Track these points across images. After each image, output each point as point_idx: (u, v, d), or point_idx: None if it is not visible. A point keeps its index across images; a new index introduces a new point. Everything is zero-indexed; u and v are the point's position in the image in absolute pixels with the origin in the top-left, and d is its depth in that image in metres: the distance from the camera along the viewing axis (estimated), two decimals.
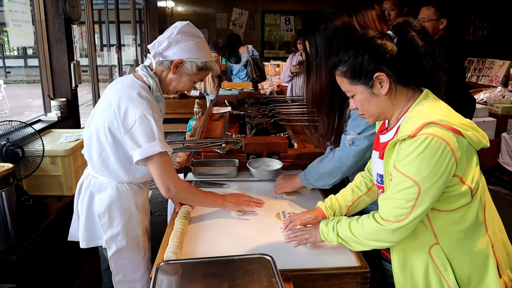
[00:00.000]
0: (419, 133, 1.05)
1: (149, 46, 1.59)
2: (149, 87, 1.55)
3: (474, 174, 1.09)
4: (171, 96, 6.19)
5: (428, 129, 1.05)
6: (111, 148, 1.52)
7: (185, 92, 6.35)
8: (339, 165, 1.57)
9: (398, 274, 1.21)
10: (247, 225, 1.52)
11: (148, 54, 1.61)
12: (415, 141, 1.05)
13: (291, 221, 1.46)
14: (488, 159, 4.23)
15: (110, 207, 1.59)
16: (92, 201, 1.61)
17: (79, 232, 1.66)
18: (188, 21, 1.59)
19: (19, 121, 2.21)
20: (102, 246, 1.64)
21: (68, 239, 1.76)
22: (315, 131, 1.79)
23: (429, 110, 1.10)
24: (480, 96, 4.96)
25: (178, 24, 1.56)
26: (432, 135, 1.03)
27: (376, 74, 1.13)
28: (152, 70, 1.58)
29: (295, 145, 2.34)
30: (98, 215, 1.59)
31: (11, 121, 2.16)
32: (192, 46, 1.53)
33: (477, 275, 1.12)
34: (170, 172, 1.49)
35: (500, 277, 1.12)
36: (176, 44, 1.52)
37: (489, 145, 1.12)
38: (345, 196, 1.47)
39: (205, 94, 5.70)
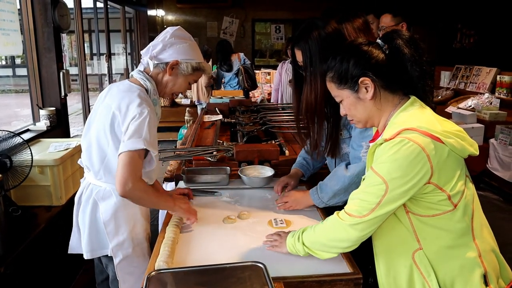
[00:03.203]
0: (396, 137, 1.07)
1: (142, 52, 1.61)
2: (147, 90, 1.57)
3: (457, 181, 1.09)
4: (162, 104, 6.19)
5: (405, 134, 1.07)
6: (113, 153, 1.52)
7: (176, 100, 6.36)
8: (356, 181, 1.52)
9: (382, 279, 1.23)
10: (239, 233, 1.51)
11: (142, 59, 1.62)
12: (390, 143, 1.07)
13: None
14: (477, 165, 4.28)
15: (116, 214, 1.58)
16: (96, 210, 1.60)
17: (82, 243, 1.64)
18: (179, 26, 1.63)
19: (7, 131, 2.18)
20: (106, 255, 1.63)
21: (69, 252, 1.74)
22: (302, 140, 1.76)
23: (412, 117, 1.12)
24: (468, 102, 5.03)
25: (170, 29, 1.59)
26: (408, 139, 1.05)
27: (361, 79, 1.16)
28: (148, 74, 1.59)
29: (287, 152, 2.35)
30: (104, 223, 1.58)
31: None
32: (186, 47, 1.57)
33: (460, 282, 1.12)
34: (135, 168, 1.43)
35: (487, 285, 1.12)
36: (170, 47, 1.55)
37: (478, 153, 1.12)
38: None
39: (197, 103, 5.70)
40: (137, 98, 1.49)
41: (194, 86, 5.52)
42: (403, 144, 1.05)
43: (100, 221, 1.59)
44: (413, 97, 1.18)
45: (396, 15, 2.88)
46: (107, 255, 1.62)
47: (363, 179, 1.18)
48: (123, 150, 1.43)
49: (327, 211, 1.61)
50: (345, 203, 1.57)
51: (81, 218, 1.64)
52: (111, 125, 1.50)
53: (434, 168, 1.05)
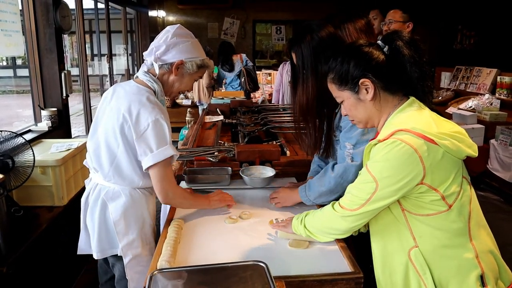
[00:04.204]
0: (389, 138, 1.10)
1: (145, 53, 1.62)
2: (154, 91, 1.58)
3: (452, 183, 1.10)
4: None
5: (398, 135, 1.09)
6: (123, 155, 1.54)
7: (177, 101, 6.36)
8: (340, 182, 1.52)
9: (379, 275, 1.25)
10: (240, 232, 1.52)
11: (145, 61, 1.63)
12: (383, 144, 1.10)
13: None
14: (477, 165, 4.28)
15: (126, 213, 1.59)
16: (105, 210, 1.60)
17: (92, 243, 1.65)
18: (179, 24, 1.63)
19: (9, 131, 2.18)
20: (114, 255, 1.64)
21: (78, 253, 1.75)
22: (302, 140, 1.79)
23: (408, 118, 1.13)
24: (469, 103, 5.03)
25: (170, 29, 1.58)
26: (400, 140, 1.07)
27: (361, 80, 1.18)
28: (155, 76, 1.60)
29: (288, 152, 2.35)
30: (114, 223, 1.59)
31: (1, 131, 2.14)
32: (189, 46, 1.58)
33: (456, 282, 1.12)
34: (171, 177, 1.56)
35: (484, 286, 1.12)
36: (174, 47, 1.56)
37: (476, 154, 1.12)
38: None
39: (199, 104, 5.70)
40: (148, 103, 1.50)
41: (195, 86, 5.53)
42: (396, 145, 1.07)
43: (109, 221, 1.60)
44: (412, 98, 1.19)
45: (406, 13, 2.89)
46: (117, 254, 1.63)
47: (360, 174, 1.21)
48: (154, 161, 1.48)
49: None
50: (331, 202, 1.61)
51: (89, 219, 1.64)
52: (121, 128, 1.51)
53: (427, 169, 1.07)
